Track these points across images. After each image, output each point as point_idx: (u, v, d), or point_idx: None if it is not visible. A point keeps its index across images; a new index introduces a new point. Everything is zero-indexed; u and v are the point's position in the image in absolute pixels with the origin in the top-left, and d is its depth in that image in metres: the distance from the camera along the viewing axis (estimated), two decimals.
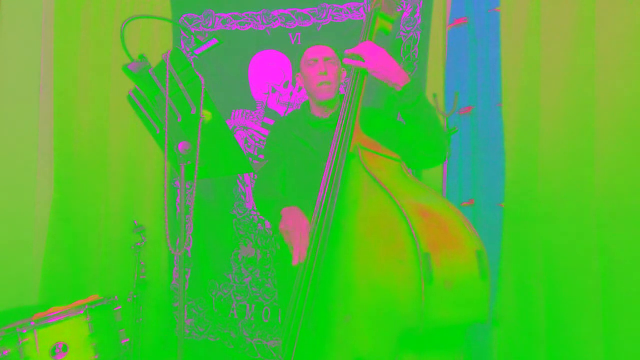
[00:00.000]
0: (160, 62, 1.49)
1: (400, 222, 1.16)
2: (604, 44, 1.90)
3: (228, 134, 1.59)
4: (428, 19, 2.17)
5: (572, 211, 1.96)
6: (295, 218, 1.48)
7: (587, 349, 1.90)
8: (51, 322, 1.82)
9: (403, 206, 1.17)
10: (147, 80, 1.53)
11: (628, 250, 1.88)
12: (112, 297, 2.02)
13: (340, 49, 1.80)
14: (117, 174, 2.64)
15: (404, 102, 1.51)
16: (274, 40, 2.43)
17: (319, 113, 1.79)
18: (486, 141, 2.09)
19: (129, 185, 2.63)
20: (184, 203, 1.53)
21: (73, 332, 1.86)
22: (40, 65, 2.81)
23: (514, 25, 2.05)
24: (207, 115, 1.50)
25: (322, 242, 1.37)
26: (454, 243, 1.17)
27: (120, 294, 2.08)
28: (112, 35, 2.62)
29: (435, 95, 2.13)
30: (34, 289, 2.73)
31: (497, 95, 2.07)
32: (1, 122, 2.68)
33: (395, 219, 1.17)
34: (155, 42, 2.56)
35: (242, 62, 2.48)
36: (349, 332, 1.30)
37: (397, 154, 1.45)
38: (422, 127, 1.55)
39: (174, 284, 2.59)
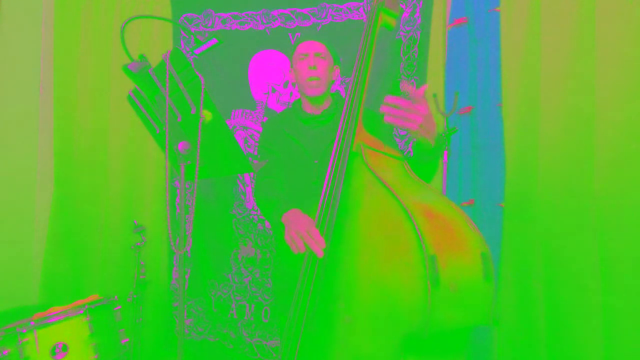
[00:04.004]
0: (160, 62, 1.49)
1: (406, 223, 1.12)
2: (604, 44, 1.90)
3: (228, 134, 1.59)
4: (428, 19, 2.17)
5: (572, 211, 1.96)
6: (296, 223, 1.42)
7: (587, 349, 1.90)
8: (51, 322, 1.82)
9: (408, 207, 1.14)
10: (147, 80, 1.52)
11: (628, 250, 1.88)
12: (112, 297, 2.03)
13: (338, 47, 1.81)
14: (117, 174, 2.64)
15: (432, 151, 1.40)
16: (274, 40, 2.43)
17: (310, 110, 1.79)
18: (486, 141, 2.09)
19: (129, 185, 2.63)
20: (184, 203, 1.52)
21: (73, 332, 1.86)
22: (40, 65, 2.81)
23: (514, 25, 2.05)
24: (207, 115, 1.50)
25: (325, 241, 1.36)
26: (459, 245, 1.14)
27: (120, 294, 2.09)
28: (112, 35, 2.63)
29: (435, 95, 2.13)
30: (34, 289, 2.73)
31: (497, 95, 2.08)
32: (1, 122, 2.68)
33: (400, 219, 1.14)
34: (155, 42, 2.56)
35: (242, 62, 2.48)
36: (351, 334, 1.28)
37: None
38: (426, 165, 1.46)
39: (173, 284, 2.59)
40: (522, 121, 2.05)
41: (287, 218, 1.53)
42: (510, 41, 2.05)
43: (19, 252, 2.74)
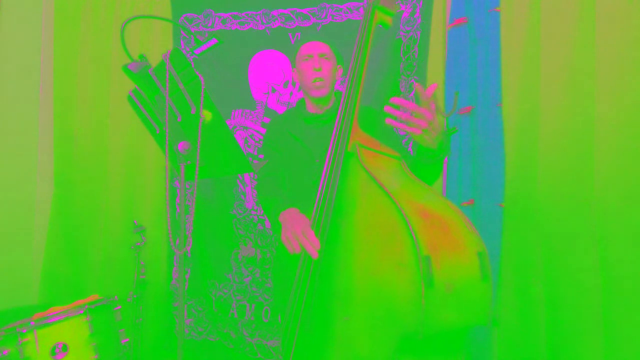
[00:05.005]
0: (160, 62, 1.49)
1: (400, 224, 1.12)
2: (604, 44, 1.89)
3: (228, 134, 1.59)
4: (428, 19, 2.17)
5: (572, 211, 1.96)
6: (292, 224, 1.42)
7: (587, 349, 1.90)
8: (51, 322, 1.82)
9: (402, 207, 1.13)
10: (147, 80, 1.53)
11: (628, 249, 1.88)
12: (112, 297, 2.02)
13: (338, 48, 1.81)
14: (117, 174, 2.64)
15: (435, 155, 1.39)
16: (274, 40, 2.43)
17: (313, 109, 1.79)
18: (486, 141, 2.09)
19: (129, 185, 2.63)
20: (184, 203, 1.53)
21: (73, 332, 1.86)
22: (40, 65, 2.81)
23: (514, 25, 2.05)
24: (207, 115, 1.50)
25: (320, 242, 1.36)
26: (455, 245, 1.13)
27: (120, 294, 2.09)
28: (112, 35, 2.63)
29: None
30: (34, 289, 2.73)
31: (497, 95, 2.07)
32: (1, 122, 2.68)
33: (395, 220, 1.14)
34: (155, 42, 2.56)
35: (242, 62, 2.48)
36: (348, 333, 1.28)
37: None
38: (427, 168, 1.44)
39: (173, 284, 2.60)
40: (522, 121, 2.05)
41: (284, 217, 1.52)
42: (510, 41, 2.05)
43: (19, 252, 2.74)
